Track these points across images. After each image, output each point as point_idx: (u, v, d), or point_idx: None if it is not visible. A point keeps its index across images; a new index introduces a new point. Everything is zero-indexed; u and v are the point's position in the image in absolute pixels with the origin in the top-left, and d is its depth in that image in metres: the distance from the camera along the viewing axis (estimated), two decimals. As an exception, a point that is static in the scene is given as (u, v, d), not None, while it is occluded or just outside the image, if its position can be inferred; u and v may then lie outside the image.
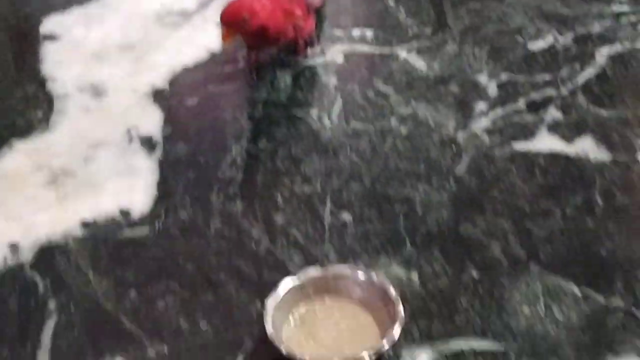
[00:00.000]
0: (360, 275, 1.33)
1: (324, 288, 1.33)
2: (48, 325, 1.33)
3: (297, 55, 1.76)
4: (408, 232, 1.45)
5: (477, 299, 1.35)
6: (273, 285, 1.33)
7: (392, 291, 1.30)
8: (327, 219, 1.47)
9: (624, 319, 1.31)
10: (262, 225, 1.46)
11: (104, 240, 1.44)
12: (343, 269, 1.35)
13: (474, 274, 1.38)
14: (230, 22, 1.59)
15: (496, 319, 1.32)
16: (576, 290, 1.35)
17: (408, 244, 1.43)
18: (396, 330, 1.25)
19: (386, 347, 1.24)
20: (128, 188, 1.53)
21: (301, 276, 1.33)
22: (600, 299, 1.34)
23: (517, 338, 1.29)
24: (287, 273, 1.36)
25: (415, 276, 1.38)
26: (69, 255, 1.42)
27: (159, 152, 1.59)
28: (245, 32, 1.62)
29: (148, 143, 1.60)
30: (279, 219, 1.47)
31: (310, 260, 1.40)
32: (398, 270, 1.39)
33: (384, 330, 1.27)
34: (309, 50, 1.78)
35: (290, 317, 1.31)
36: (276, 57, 1.76)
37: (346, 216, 1.48)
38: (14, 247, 1.43)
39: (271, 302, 1.29)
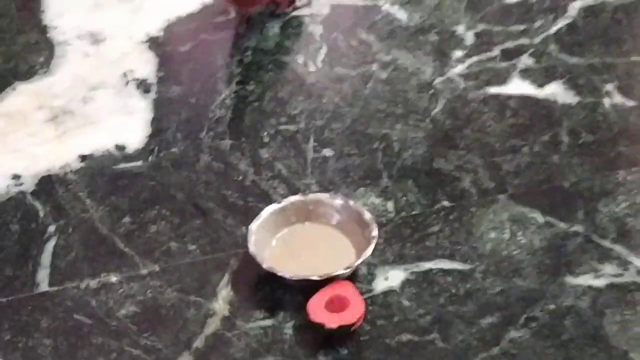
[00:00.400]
0: (338, 201, 1.43)
1: (304, 213, 1.43)
2: (48, 247, 1.43)
3: (284, 8, 1.85)
4: (385, 166, 1.55)
5: (447, 226, 1.45)
6: (258, 213, 1.43)
7: (367, 215, 1.40)
8: (310, 154, 1.57)
9: (583, 243, 1.41)
10: (248, 159, 1.56)
11: (101, 172, 1.54)
12: (322, 196, 1.44)
13: (445, 203, 1.48)
14: None
15: (464, 243, 1.42)
16: (540, 218, 1.45)
17: (385, 177, 1.53)
18: (369, 249, 1.35)
19: (358, 262, 1.33)
20: (123, 125, 1.62)
21: (283, 202, 1.42)
22: (562, 225, 1.44)
23: (483, 259, 1.39)
24: (271, 202, 1.47)
25: (390, 205, 1.48)
26: (68, 185, 1.52)
27: (153, 94, 1.69)
28: None
29: (143, 85, 1.70)
30: (265, 154, 1.57)
31: (293, 191, 1.50)
32: (375, 200, 1.49)
33: (360, 251, 1.36)
34: (297, 3, 1.86)
35: (273, 240, 1.41)
36: (265, 10, 1.85)
37: (328, 152, 1.58)
38: (16, 177, 1.53)
39: (255, 225, 1.39)
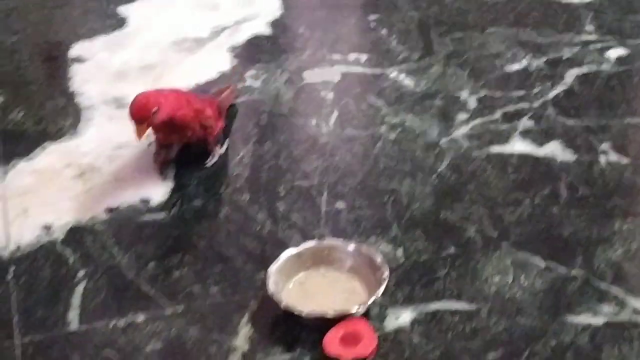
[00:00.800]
0: (351, 246, 1.52)
1: (319, 258, 1.52)
2: (77, 290, 1.52)
3: (208, 152, 1.79)
4: (394, 217, 1.64)
5: (453, 270, 1.54)
6: (275, 259, 1.52)
7: (379, 258, 1.49)
8: (324, 206, 1.67)
9: (582, 285, 1.50)
10: (266, 211, 1.66)
11: (126, 223, 1.64)
12: (336, 241, 1.54)
13: (452, 250, 1.57)
14: (140, 117, 1.59)
15: (470, 286, 1.51)
16: (541, 263, 1.54)
17: (394, 227, 1.62)
18: (381, 289, 1.44)
19: (371, 300, 1.42)
20: (147, 181, 1.73)
21: (300, 247, 1.52)
22: (562, 269, 1.53)
23: (488, 300, 1.48)
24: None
25: (400, 252, 1.57)
26: (95, 235, 1.62)
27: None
28: (155, 125, 1.64)
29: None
30: (281, 206, 1.67)
31: (308, 239, 1.59)
32: (385, 248, 1.58)
33: (372, 292, 1.45)
34: (216, 149, 1.79)
35: (290, 282, 1.50)
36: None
37: (340, 204, 1.67)
38: (47, 228, 1.63)
39: (273, 267, 1.48)
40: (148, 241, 1.61)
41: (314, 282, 1.50)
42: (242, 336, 1.43)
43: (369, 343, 1.38)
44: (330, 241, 1.55)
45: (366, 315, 1.45)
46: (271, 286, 1.45)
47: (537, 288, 1.50)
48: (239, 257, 1.57)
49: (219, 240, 1.60)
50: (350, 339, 1.38)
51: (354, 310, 1.42)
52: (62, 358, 1.40)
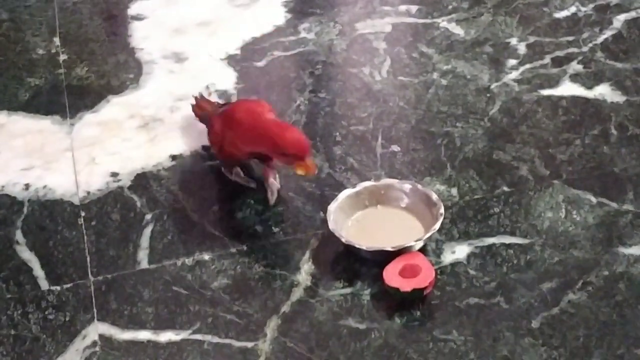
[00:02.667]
0: (407, 185, 1.57)
1: (376, 196, 1.58)
2: (146, 232, 1.59)
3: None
4: (448, 159, 1.69)
5: (507, 207, 1.58)
6: (333, 199, 1.58)
7: (434, 196, 1.54)
8: (379, 149, 1.72)
9: (633, 219, 1.54)
10: (323, 155, 1.72)
11: (190, 169, 1.70)
12: (392, 181, 1.59)
13: (505, 189, 1.62)
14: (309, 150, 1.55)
15: (523, 222, 1.55)
16: (593, 199, 1.59)
17: (449, 168, 1.67)
18: (437, 224, 1.49)
19: (428, 235, 1.48)
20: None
21: (358, 187, 1.58)
22: (613, 204, 1.57)
23: (542, 234, 1.53)
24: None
25: (454, 191, 1.62)
26: (161, 181, 1.68)
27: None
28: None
29: (224, 96, 1.87)
30: (338, 150, 1.73)
31: (364, 180, 1.64)
32: (440, 187, 1.63)
33: (429, 229, 1.50)
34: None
35: (349, 221, 1.55)
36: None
37: (395, 148, 1.72)
38: (114, 175, 1.70)
39: (333, 206, 1.54)
40: (211, 186, 1.67)
41: (372, 220, 1.56)
42: (304, 272, 1.49)
43: (427, 275, 1.43)
44: (386, 180, 1.60)
45: (423, 250, 1.50)
46: (331, 223, 1.51)
47: (589, 222, 1.54)
48: (298, 199, 1.63)
49: (280, 183, 1.66)
50: (409, 272, 1.44)
51: (412, 244, 1.47)
52: (133, 294, 1.47)
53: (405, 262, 1.46)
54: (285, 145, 1.51)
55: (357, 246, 1.48)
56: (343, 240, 1.49)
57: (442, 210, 1.51)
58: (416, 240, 1.48)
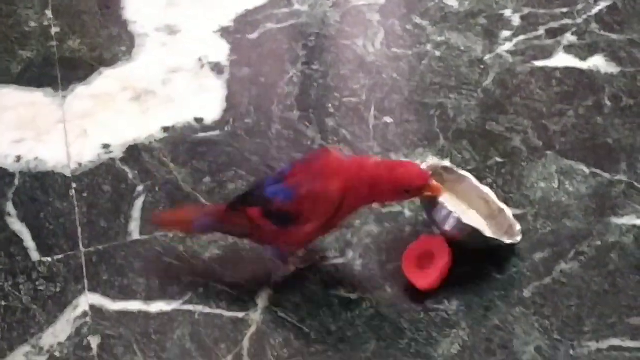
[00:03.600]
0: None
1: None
2: (137, 203, 1.58)
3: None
4: (441, 130, 1.69)
5: (500, 178, 1.58)
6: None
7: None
8: (372, 121, 1.72)
9: (626, 189, 1.54)
10: (316, 127, 1.71)
11: (182, 141, 1.70)
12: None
13: (498, 159, 1.62)
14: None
15: (516, 192, 1.55)
16: (586, 169, 1.58)
17: (442, 139, 1.67)
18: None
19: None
20: (201, 102, 1.78)
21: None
22: (606, 175, 1.57)
23: (534, 205, 1.52)
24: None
25: (447, 163, 1.61)
26: (153, 152, 1.68)
27: (226, 75, 1.84)
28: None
29: (217, 68, 1.86)
30: (330, 122, 1.72)
31: (357, 152, 1.64)
32: (433, 159, 1.62)
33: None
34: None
35: None
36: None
37: (388, 119, 1.72)
38: (106, 147, 1.69)
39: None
40: (203, 157, 1.66)
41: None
42: (296, 242, 1.48)
43: (443, 266, 1.40)
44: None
45: (415, 221, 1.49)
46: None
47: (582, 193, 1.54)
48: (291, 170, 1.62)
49: (271, 155, 1.66)
50: (425, 259, 1.41)
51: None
52: (124, 265, 1.47)
53: (425, 247, 1.42)
54: (408, 184, 1.36)
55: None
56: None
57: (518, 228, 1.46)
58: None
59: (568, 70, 1.79)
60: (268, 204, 1.35)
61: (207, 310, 1.39)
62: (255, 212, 1.36)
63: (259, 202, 1.36)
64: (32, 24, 1.99)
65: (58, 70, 1.87)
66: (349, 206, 1.35)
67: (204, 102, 1.78)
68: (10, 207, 1.58)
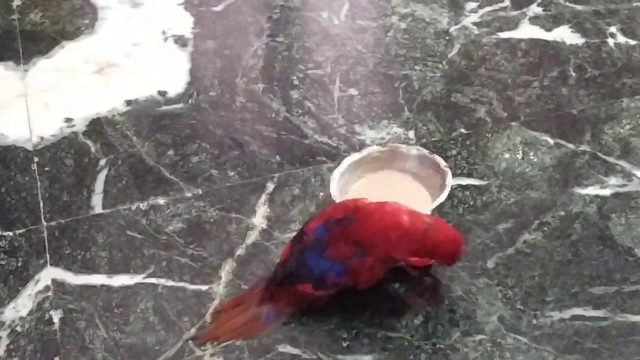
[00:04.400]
0: (413, 151, 1.47)
1: (382, 162, 1.48)
2: (100, 177, 1.57)
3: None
4: (406, 102, 1.68)
5: (464, 149, 1.58)
6: (291, 145, 1.57)
7: (442, 163, 1.43)
8: (337, 93, 1.71)
9: (590, 160, 1.54)
10: (280, 99, 1.70)
11: (145, 114, 1.68)
12: (399, 145, 1.49)
13: (463, 131, 1.61)
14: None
15: (480, 163, 1.55)
16: (550, 140, 1.58)
17: (406, 110, 1.66)
18: (445, 193, 1.39)
19: (434, 205, 1.39)
20: (164, 75, 1.76)
21: (362, 152, 1.48)
22: (570, 146, 1.57)
23: (498, 176, 1.52)
24: (302, 135, 1.61)
25: (412, 134, 1.61)
26: (115, 125, 1.66)
27: (190, 48, 1.83)
28: None
29: (181, 40, 1.84)
30: (295, 94, 1.71)
31: (321, 124, 1.63)
32: (397, 130, 1.62)
33: (435, 196, 1.41)
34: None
35: (353, 187, 1.46)
36: None
37: (353, 91, 1.71)
38: (69, 120, 1.67)
39: (336, 173, 1.45)
40: (167, 130, 1.65)
41: (377, 186, 1.47)
42: (260, 215, 1.48)
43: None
44: (392, 145, 1.49)
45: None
46: (334, 190, 1.42)
47: (546, 163, 1.54)
48: (254, 143, 1.61)
49: (235, 128, 1.65)
50: None
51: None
52: (86, 239, 1.46)
53: None
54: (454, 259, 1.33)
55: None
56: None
57: (449, 179, 1.41)
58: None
59: (533, 42, 1.79)
60: (320, 281, 1.30)
61: (170, 283, 1.38)
62: (307, 287, 1.31)
63: (309, 280, 1.30)
64: (-7, -3, 1.97)
65: (19, 43, 1.85)
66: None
67: (168, 75, 1.77)
68: (-29, 182, 1.57)
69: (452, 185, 1.48)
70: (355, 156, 1.48)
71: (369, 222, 1.29)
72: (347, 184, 1.46)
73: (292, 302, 1.33)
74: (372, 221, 1.29)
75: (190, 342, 1.29)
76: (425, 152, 1.46)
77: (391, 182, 1.48)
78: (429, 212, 1.37)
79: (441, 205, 1.44)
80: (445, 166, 1.43)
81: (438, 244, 1.29)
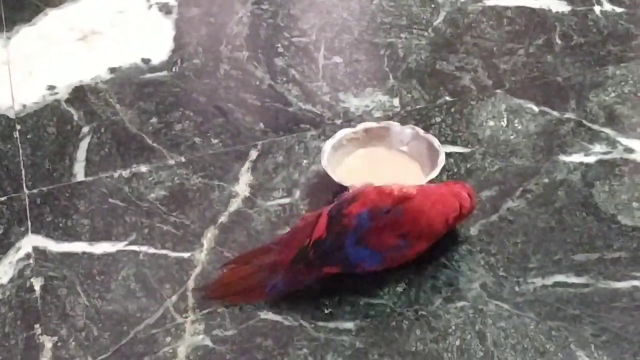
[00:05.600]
0: (408, 130, 1.47)
1: (375, 138, 1.48)
2: (82, 145, 1.56)
3: None
4: (391, 69, 1.67)
5: (449, 117, 1.57)
6: (275, 112, 1.56)
7: (436, 142, 1.44)
8: (322, 61, 1.70)
9: (574, 127, 1.53)
10: (265, 67, 1.69)
11: (129, 81, 1.67)
12: (393, 123, 1.49)
13: (447, 98, 1.60)
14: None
15: (465, 131, 1.54)
16: (535, 108, 1.57)
17: (391, 78, 1.65)
18: (436, 171, 1.40)
19: (426, 180, 1.39)
20: (148, 42, 1.75)
21: (356, 127, 1.48)
22: (555, 113, 1.56)
23: (483, 143, 1.51)
24: (287, 103, 1.60)
25: (396, 102, 1.60)
26: (99, 93, 1.65)
27: (174, 15, 1.81)
28: None
29: (165, 8, 1.83)
30: (279, 62, 1.70)
31: (306, 92, 1.62)
32: (382, 98, 1.61)
33: (426, 174, 1.41)
34: None
35: (344, 161, 1.46)
36: None
37: (337, 59, 1.70)
38: (51, 88, 1.66)
39: (328, 145, 1.44)
40: (150, 98, 1.64)
41: (369, 161, 1.47)
42: (243, 183, 1.47)
43: None
44: (388, 122, 1.49)
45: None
46: (324, 161, 1.42)
47: (530, 131, 1.53)
48: (238, 111, 1.60)
49: (219, 95, 1.64)
50: None
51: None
52: (68, 206, 1.45)
53: None
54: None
55: (348, 186, 1.37)
56: (335, 179, 1.40)
57: (442, 157, 1.42)
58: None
59: (519, 9, 1.78)
60: (352, 267, 1.28)
61: (152, 250, 1.38)
62: (334, 269, 1.29)
63: (341, 263, 1.28)
64: (-24, -36, 1.95)
65: (2, 10, 1.84)
66: None
67: (152, 42, 1.76)
68: (-48, 149, 1.56)
69: (436, 153, 1.48)
70: (348, 130, 1.47)
71: (417, 215, 1.28)
72: (338, 158, 1.45)
73: (309, 279, 1.30)
74: (420, 214, 1.28)
75: (171, 309, 1.29)
76: (419, 130, 1.46)
77: (384, 158, 1.47)
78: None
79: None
80: (438, 145, 1.43)
81: (468, 209, 1.33)
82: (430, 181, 1.39)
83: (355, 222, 1.26)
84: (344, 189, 1.37)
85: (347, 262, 1.28)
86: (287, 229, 1.39)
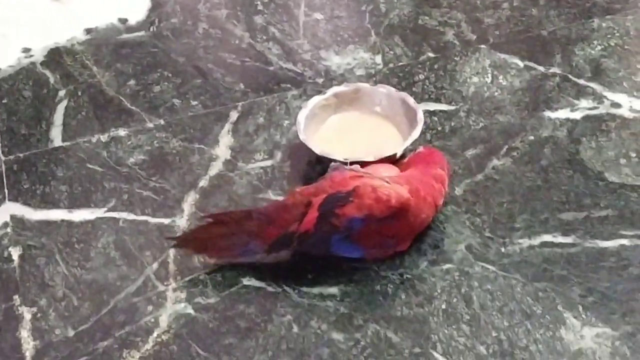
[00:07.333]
0: (381, 89, 1.43)
1: (348, 101, 1.44)
2: (59, 109, 1.53)
3: None
4: (373, 26, 1.64)
5: (432, 74, 1.54)
6: (255, 72, 1.53)
7: (411, 100, 1.40)
8: (302, 18, 1.66)
9: (560, 82, 1.51)
10: (244, 25, 1.66)
11: (105, 42, 1.64)
12: (365, 85, 1.45)
13: (430, 54, 1.57)
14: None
15: (448, 88, 1.51)
16: (520, 63, 1.55)
17: (373, 35, 1.62)
18: (417, 131, 1.36)
19: (408, 143, 1.35)
20: (125, 2, 1.72)
21: (327, 92, 1.43)
22: (540, 68, 1.53)
23: (467, 100, 1.49)
24: (267, 62, 1.57)
25: (378, 59, 1.57)
26: (75, 55, 1.62)
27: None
28: None
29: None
30: (259, 20, 1.66)
31: (286, 50, 1.59)
32: (364, 55, 1.58)
33: (405, 135, 1.38)
34: None
35: (320, 129, 1.42)
36: None
37: (318, 15, 1.66)
38: (26, 50, 1.63)
39: (302, 115, 1.40)
40: (127, 59, 1.61)
41: (345, 127, 1.43)
42: (223, 145, 1.45)
43: None
44: (358, 84, 1.45)
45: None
46: (302, 134, 1.38)
47: (515, 87, 1.50)
48: (217, 71, 1.57)
49: (198, 56, 1.60)
50: None
51: (392, 153, 1.34)
52: (46, 173, 1.42)
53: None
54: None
55: (333, 158, 1.33)
56: (317, 152, 1.35)
57: (420, 115, 1.38)
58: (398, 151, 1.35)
59: (503, -39, 1.75)
60: (332, 254, 1.26)
61: (132, 217, 1.35)
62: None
63: (322, 252, 1.25)
64: None
65: (-26, -29, 1.79)
66: None
67: (128, 2, 1.72)
68: None
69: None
70: (320, 97, 1.43)
71: (413, 219, 1.25)
72: (314, 126, 1.41)
73: (284, 256, 1.27)
74: (415, 218, 1.25)
75: (152, 276, 1.26)
76: (393, 89, 1.42)
77: (358, 121, 1.43)
78: (401, 151, 1.35)
79: (408, 131, 1.41)
80: (414, 103, 1.39)
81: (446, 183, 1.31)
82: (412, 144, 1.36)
83: (346, 224, 1.22)
84: (326, 160, 1.34)
85: (327, 252, 1.25)
86: (269, 193, 1.36)
